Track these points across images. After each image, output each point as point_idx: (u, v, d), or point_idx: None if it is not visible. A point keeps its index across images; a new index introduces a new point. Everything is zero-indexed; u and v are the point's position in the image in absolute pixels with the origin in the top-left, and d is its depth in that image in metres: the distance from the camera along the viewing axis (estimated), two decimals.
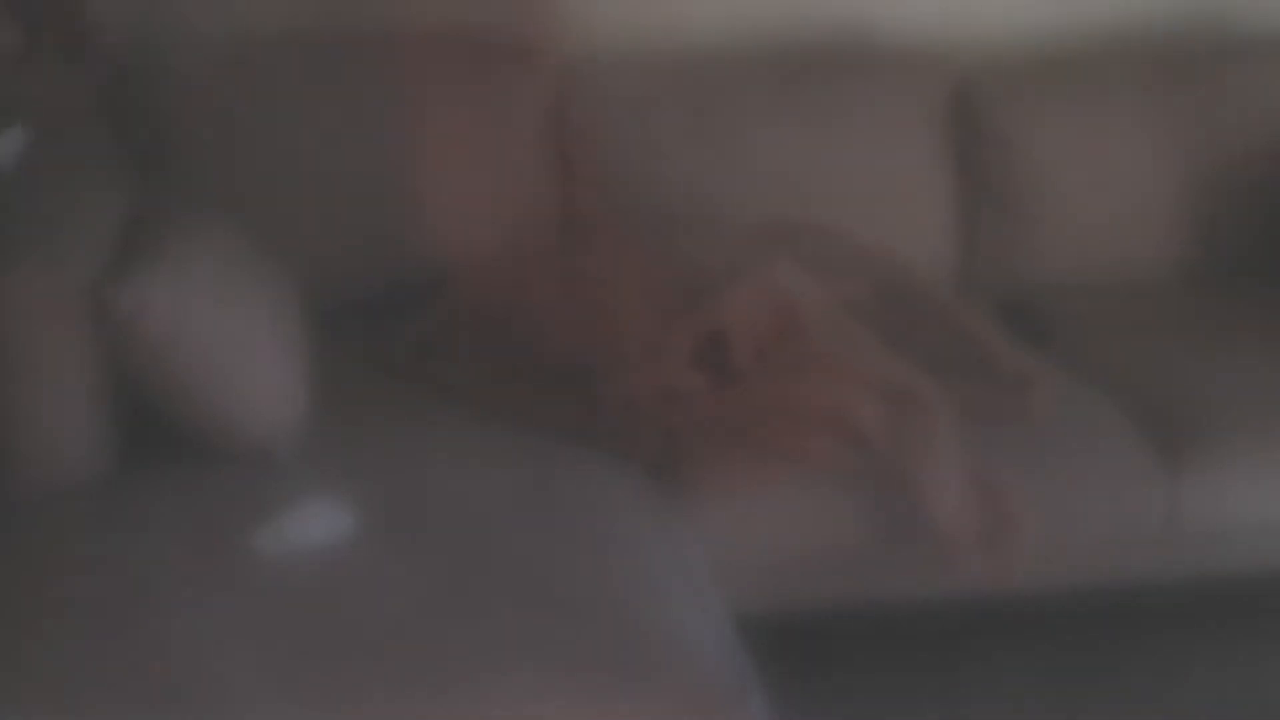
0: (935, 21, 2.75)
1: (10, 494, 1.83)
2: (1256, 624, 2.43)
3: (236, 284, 1.95)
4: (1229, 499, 2.14)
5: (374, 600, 1.61)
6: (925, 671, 2.29)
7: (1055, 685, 2.27)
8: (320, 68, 2.42)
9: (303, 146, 2.37)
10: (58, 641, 1.54)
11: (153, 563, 1.66)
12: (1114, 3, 2.80)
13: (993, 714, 2.20)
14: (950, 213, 2.64)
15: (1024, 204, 2.63)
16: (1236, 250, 2.71)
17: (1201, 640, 2.38)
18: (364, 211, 2.39)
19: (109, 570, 1.65)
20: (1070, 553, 2.18)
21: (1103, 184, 2.64)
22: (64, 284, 1.77)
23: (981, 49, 2.76)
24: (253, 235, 2.09)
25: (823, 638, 2.27)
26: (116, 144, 2.19)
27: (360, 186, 2.38)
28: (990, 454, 2.05)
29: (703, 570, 1.78)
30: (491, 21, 2.57)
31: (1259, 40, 2.78)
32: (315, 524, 1.71)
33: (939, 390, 2.04)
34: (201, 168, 2.29)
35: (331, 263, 2.37)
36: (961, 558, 1.96)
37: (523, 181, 2.47)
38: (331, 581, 1.64)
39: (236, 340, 1.86)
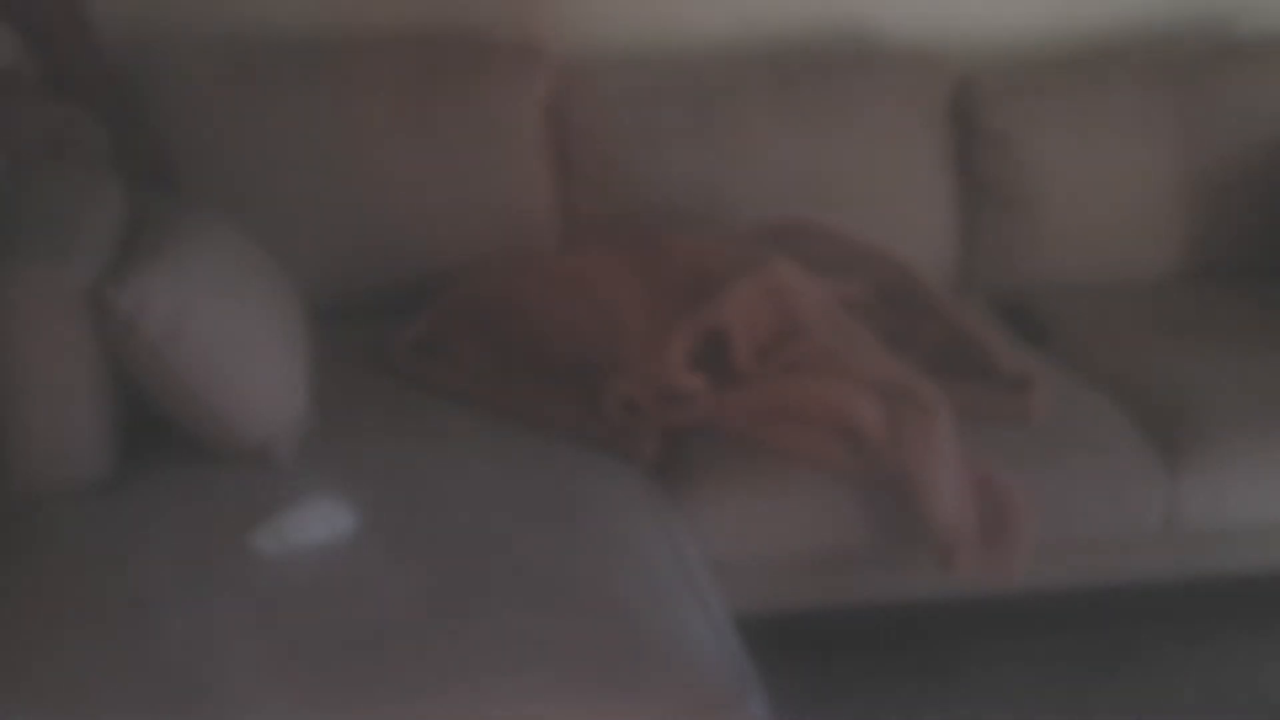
0: (935, 21, 2.75)
1: (10, 493, 1.83)
2: (1256, 624, 2.43)
3: (236, 284, 1.95)
4: (1229, 499, 2.14)
5: (374, 600, 1.61)
6: (925, 671, 2.29)
7: (1055, 685, 2.27)
8: (320, 68, 2.42)
9: (302, 146, 2.37)
10: (58, 641, 1.54)
11: (153, 563, 1.67)
12: (1114, 3, 2.80)
13: (993, 714, 2.20)
14: (950, 213, 2.64)
15: (1024, 204, 2.63)
16: (1236, 250, 2.71)
17: (1201, 640, 2.38)
18: (364, 211, 2.39)
19: (109, 570, 1.65)
20: (1070, 553, 2.18)
21: (1102, 184, 2.64)
22: (64, 284, 1.76)
23: (981, 49, 2.76)
24: (252, 235, 2.09)
25: (823, 638, 2.28)
26: (116, 144, 2.18)
27: (360, 186, 2.38)
28: (990, 454, 2.05)
29: (703, 570, 1.78)
30: (491, 21, 2.57)
31: (1259, 40, 2.78)
32: (315, 524, 1.72)
33: (939, 390, 2.04)
34: (201, 168, 2.29)
35: (331, 262, 2.37)
36: (961, 558, 1.95)
37: (523, 181, 2.47)
38: (331, 581, 1.64)
39: (236, 340, 1.86)
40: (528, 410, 2.06)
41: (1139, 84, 2.67)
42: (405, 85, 2.41)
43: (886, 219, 2.53)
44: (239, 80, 2.38)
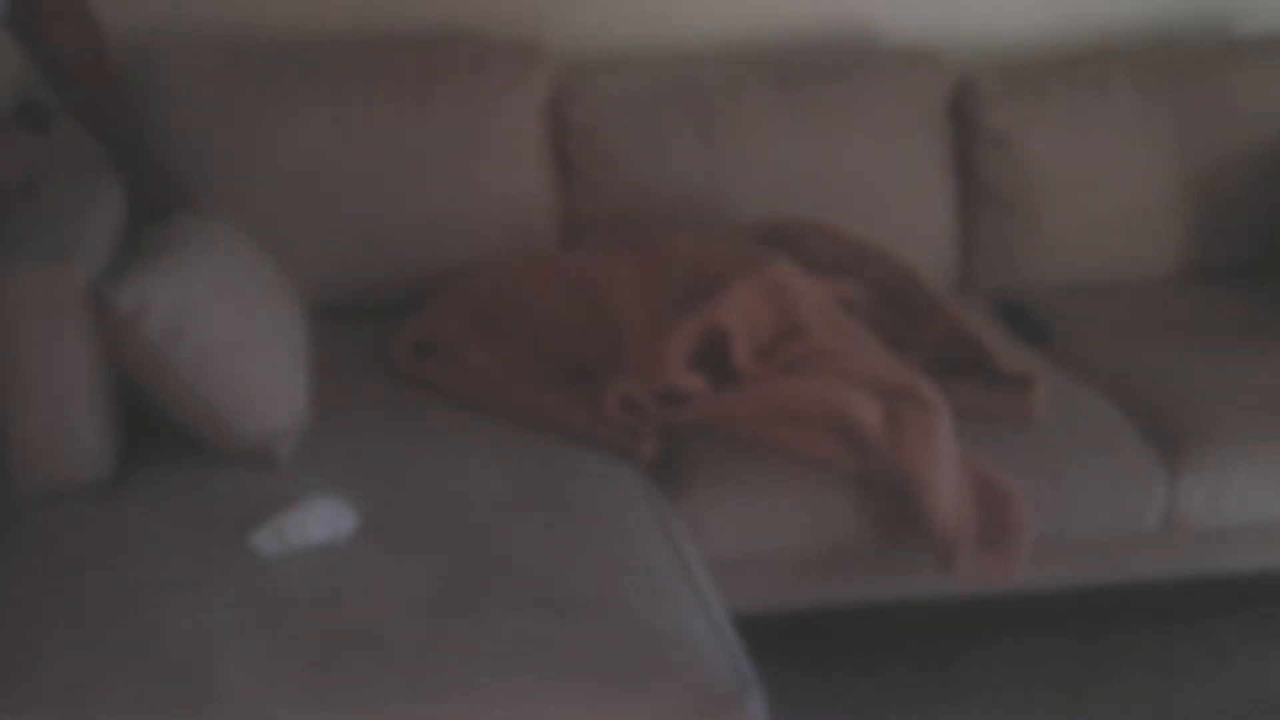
0: (935, 21, 2.75)
1: (11, 494, 1.83)
2: (1256, 624, 2.43)
3: (237, 284, 1.95)
4: (1229, 499, 2.14)
5: (374, 600, 1.61)
6: (925, 671, 2.29)
7: (1055, 685, 2.27)
8: (320, 68, 2.42)
9: (302, 147, 2.37)
10: (58, 641, 1.54)
11: (153, 563, 1.67)
12: (1114, 3, 2.80)
13: (993, 714, 2.21)
14: (950, 213, 2.64)
15: (1024, 204, 2.63)
16: (1236, 250, 2.71)
17: (1201, 640, 2.38)
18: (363, 211, 2.39)
19: (109, 570, 1.65)
20: (1070, 553, 2.18)
21: (1102, 184, 2.64)
22: (64, 284, 1.77)
23: (981, 49, 2.76)
24: (252, 235, 2.09)
25: (823, 638, 2.28)
26: (130, 177, 2.18)
27: (360, 186, 2.38)
28: (990, 454, 2.05)
29: (703, 570, 1.78)
30: (491, 21, 2.57)
31: (1259, 40, 2.78)
32: (315, 524, 1.71)
33: (939, 390, 2.04)
34: (201, 168, 2.29)
35: (331, 262, 2.37)
36: (961, 558, 1.95)
37: (523, 181, 2.47)
38: (331, 581, 1.64)
39: (236, 341, 1.86)
40: (528, 410, 2.06)
41: (1139, 84, 2.67)
42: (405, 86, 2.41)
43: (886, 219, 2.53)
44: (239, 80, 2.37)
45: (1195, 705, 2.24)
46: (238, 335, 1.87)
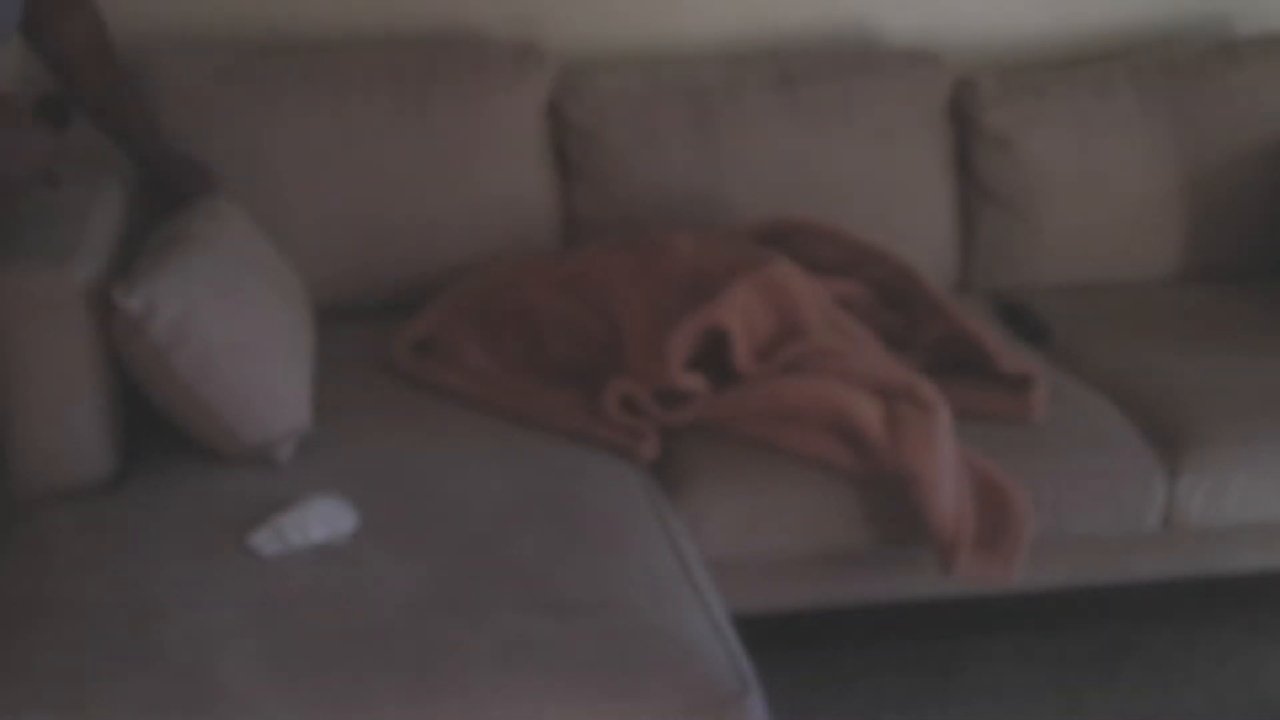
0: (935, 21, 2.75)
1: (12, 493, 1.83)
2: (1256, 624, 2.43)
3: (243, 286, 1.95)
4: (1228, 499, 2.14)
5: (374, 601, 1.61)
6: (924, 671, 2.29)
7: (1054, 685, 2.28)
8: (320, 68, 2.42)
9: (302, 147, 2.37)
10: (58, 641, 1.54)
11: (153, 563, 1.67)
12: (1114, 3, 2.80)
13: (993, 714, 2.21)
14: (950, 213, 2.64)
15: (1024, 204, 2.63)
16: (1236, 250, 2.71)
17: (1201, 640, 2.38)
18: (364, 212, 2.39)
19: (109, 570, 1.65)
20: (1070, 552, 2.18)
21: (1102, 184, 2.64)
22: (65, 284, 1.77)
23: (981, 49, 2.76)
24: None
25: (823, 638, 2.28)
26: (139, 176, 2.19)
27: (360, 187, 2.38)
28: (990, 454, 2.05)
29: (703, 570, 1.78)
30: (491, 21, 2.57)
31: (1259, 40, 2.78)
32: (315, 524, 1.71)
33: (939, 390, 2.04)
34: None
35: (331, 262, 2.37)
36: (961, 557, 1.95)
37: (523, 181, 2.47)
38: (331, 581, 1.64)
39: (240, 344, 1.86)
40: (528, 410, 2.06)
41: (1139, 84, 2.67)
42: (404, 85, 2.41)
43: (886, 219, 2.53)
44: (239, 80, 2.38)
45: (1195, 705, 2.24)
46: (242, 339, 1.87)
